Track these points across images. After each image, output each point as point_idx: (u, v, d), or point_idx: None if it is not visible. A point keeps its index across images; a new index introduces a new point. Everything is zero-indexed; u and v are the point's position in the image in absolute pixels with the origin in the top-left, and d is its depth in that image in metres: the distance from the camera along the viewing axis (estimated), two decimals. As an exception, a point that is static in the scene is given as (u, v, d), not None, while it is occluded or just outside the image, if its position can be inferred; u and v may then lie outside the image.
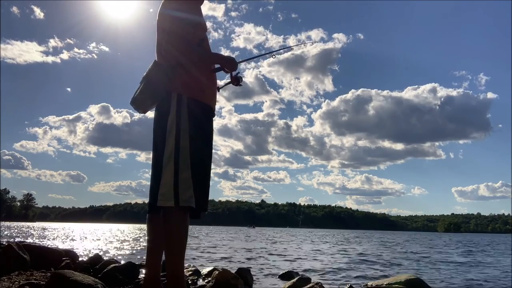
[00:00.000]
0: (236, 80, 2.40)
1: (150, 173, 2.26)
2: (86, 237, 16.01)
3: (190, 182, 2.06)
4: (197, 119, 2.15)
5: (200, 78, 2.23)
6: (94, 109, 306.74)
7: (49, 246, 5.01)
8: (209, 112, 2.27)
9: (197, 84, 2.21)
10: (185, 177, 2.06)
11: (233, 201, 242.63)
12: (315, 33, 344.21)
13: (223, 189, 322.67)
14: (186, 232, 2.12)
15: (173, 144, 2.07)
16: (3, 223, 57.96)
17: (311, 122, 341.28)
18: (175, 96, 2.13)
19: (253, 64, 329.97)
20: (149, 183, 2.31)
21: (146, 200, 2.32)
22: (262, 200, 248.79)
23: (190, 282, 3.82)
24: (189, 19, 2.20)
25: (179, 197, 2.04)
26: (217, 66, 2.33)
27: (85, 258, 5.06)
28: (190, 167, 2.07)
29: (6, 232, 19.41)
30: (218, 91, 2.46)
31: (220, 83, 2.49)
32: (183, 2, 2.25)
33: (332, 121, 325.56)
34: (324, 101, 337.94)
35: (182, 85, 2.17)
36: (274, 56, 2.87)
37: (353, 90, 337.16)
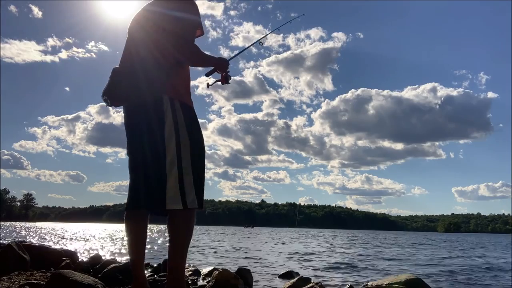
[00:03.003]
0: (226, 79, 2.47)
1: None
2: (86, 237, 16.02)
3: (192, 185, 2.16)
4: (191, 123, 2.22)
5: (186, 80, 2.30)
6: (93, 108, 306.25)
7: (49, 246, 5.01)
8: (195, 114, 2.32)
9: (184, 87, 2.27)
10: (188, 181, 2.15)
11: (233, 201, 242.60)
12: (315, 32, 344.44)
13: (223, 189, 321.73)
14: (191, 234, 2.20)
15: (174, 150, 2.12)
16: (3, 223, 57.96)
17: (310, 122, 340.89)
18: (168, 100, 2.15)
19: (252, 63, 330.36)
20: None
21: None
22: (262, 200, 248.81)
23: (190, 282, 3.82)
24: (192, 19, 2.21)
25: (186, 200, 2.12)
26: (210, 68, 2.43)
27: (85, 258, 5.06)
28: (191, 171, 2.17)
29: (6, 232, 19.41)
30: (208, 87, 2.59)
31: (209, 80, 2.56)
32: (185, 2, 2.27)
33: (332, 121, 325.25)
34: (324, 101, 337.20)
35: (174, 88, 2.19)
36: (261, 43, 3.00)
37: (353, 90, 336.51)
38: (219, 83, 2.51)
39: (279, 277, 5.16)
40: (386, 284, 3.98)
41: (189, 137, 2.18)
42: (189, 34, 2.19)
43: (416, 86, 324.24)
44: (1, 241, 6.02)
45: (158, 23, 2.21)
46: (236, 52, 2.78)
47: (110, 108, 2.27)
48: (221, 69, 2.41)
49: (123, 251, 9.04)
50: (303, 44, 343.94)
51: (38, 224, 70.41)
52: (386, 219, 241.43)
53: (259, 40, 3.00)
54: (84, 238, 15.04)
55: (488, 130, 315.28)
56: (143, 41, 2.23)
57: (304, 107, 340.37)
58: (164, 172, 2.11)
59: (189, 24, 2.19)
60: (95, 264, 4.18)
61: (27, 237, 14.04)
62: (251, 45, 2.99)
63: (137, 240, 2.25)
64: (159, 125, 2.13)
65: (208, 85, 2.55)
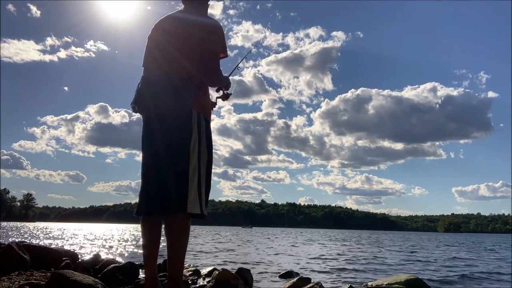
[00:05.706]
0: (226, 97, 2.63)
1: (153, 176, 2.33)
2: (86, 237, 16.02)
3: (205, 194, 2.35)
4: (209, 137, 2.42)
5: (209, 97, 2.49)
6: (92, 108, 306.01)
7: (49, 246, 5.01)
8: (210, 127, 2.50)
9: (208, 104, 2.47)
10: (204, 189, 2.33)
11: (233, 201, 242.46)
12: (314, 31, 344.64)
13: (223, 189, 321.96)
14: (188, 236, 2.33)
15: (196, 160, 2.30)
16: (3, 223, 57.98)
17: (310, 122, 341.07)
18: (196, 114, 2.32)
19: (251, 62, 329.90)
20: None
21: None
22: (262, 200, 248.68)
23: (190, 282, 3.83)
24: (220, 44, 2.37)
25: (202, 206, 2.30)
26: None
27: (85, 258, 5.06)
28: (205, 181, 2.36)
29: (6, 232, 19.41)
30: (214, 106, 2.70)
31: (212, 98, 2.65)
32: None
33: (331, 121, 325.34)
34: (324, 101, 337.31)
35: (200, 104, 2.36)
36: (254, 47, 3.27)
37: (352, 90, 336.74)
38: (220, 99, 2.64)
39: (279, 277, 5.17)
40: (386, 284, 3.98)
41: (207, 149, 2.38)
42: (217, 59, 2.35)
43: (416, 86, 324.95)
44: (1, 241, 6.03)
45: (192, 41, 2.30)
46: (231, 67, 2.90)
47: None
48: (227, 87, 2.61)
49: (123, 251, 9.05)
50: (302, 44, 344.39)
51: (38, 224, 70.41)
52: (386, 219, 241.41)
53: (245, 56, 3.20)
54: (84, 238, 15.04)
55: (488, 130, 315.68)
56: (174, 54, 2.31)
57: (304, 107, 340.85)
58: (186, 178, 2.25)
59: (216, 50, 2.34)
60: (95, 264, 4.18)
61: (27, 237, 14.04)
62: (243, 58, 3.13)
63: (151, 243, 2.37)
64: (187, 136, 2.28)
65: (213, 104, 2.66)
